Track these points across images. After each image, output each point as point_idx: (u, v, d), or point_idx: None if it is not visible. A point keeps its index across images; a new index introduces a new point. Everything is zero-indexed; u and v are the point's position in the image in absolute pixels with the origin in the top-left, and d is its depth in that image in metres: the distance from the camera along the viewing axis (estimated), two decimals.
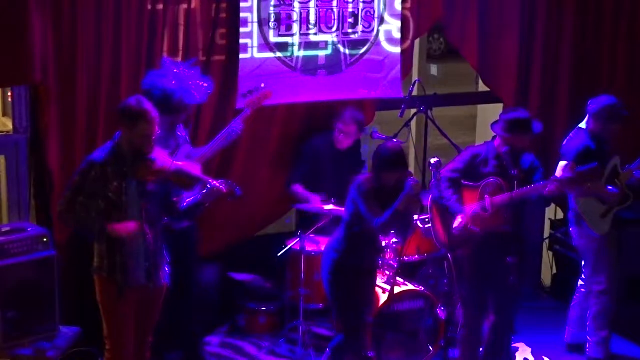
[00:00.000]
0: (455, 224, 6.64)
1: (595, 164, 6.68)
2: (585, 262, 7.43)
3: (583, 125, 7.29)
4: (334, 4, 7.64)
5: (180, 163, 6.08)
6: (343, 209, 6.69)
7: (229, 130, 6.94)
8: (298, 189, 7.62)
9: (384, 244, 7.28)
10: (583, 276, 7.50)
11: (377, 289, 7.11)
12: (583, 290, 7.51)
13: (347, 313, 6.60)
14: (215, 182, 6.09)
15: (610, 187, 7.08)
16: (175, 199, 6.13)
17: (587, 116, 7.26)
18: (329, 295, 6.66)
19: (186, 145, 6.86)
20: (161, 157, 5.94)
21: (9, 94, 7.42)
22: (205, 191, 6.10)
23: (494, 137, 6.78)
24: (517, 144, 6.61)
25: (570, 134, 7.33)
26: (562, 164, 6.99)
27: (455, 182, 6.71)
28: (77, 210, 5.84)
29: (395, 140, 7.24)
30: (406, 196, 6.28)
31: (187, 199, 6.44)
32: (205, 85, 6.82)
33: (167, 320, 6.64)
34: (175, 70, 6.75)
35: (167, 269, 6.19)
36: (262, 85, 7.18)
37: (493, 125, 6.77)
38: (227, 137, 6.95)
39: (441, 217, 6.81)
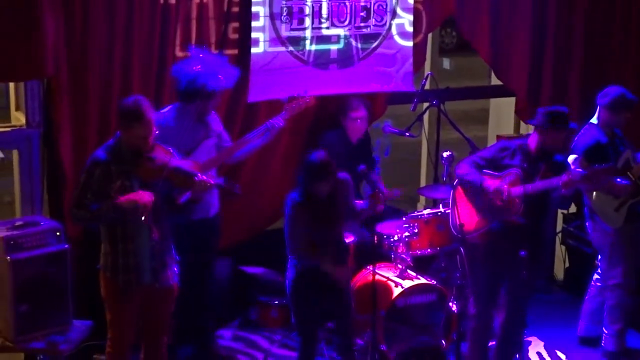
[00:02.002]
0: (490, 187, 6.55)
1: (612, 164, 6.71)
2: (601, 256, 7.42)
3: (594, 120, 7.29)
4: None
5: (179, 161, 6.05)
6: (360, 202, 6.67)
7: (267, 126, 6.95)
8: None
9: (396, 237, 7.28)
10: (599, 270, 7.50)
11: (389, 282, 7.12)
12: (599, 284, 7.50)
13: (307, 324, 6.51)
14: (212, 180, 6.06)
15: (619, 180, 7.05)
16: (176, 195, 6.08)
17: (598, 109, 7.26)
18: (292, 308, 6.57)
19: (213, 138, 6.86)
20: (160, 156, 5.92)
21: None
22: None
23: (528, 134, 6.74)
24: (551, 140, 6.52)
25: (582, 130, 7.32)
26: (572, 157, 6.98)
27: (478, 168, 6.68)
28: (87, 208, 5.83)
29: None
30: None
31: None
32: (233, 72, 6.82)
33: (180, 314, 6.65)
34: (201, 56, 6.77)
35: (175, 269, 6.16)
36: (306, 92, 7.20)
37: (530, 120, 6.71)
38: (265, 132, 6.96)
39: (469, 198, 6.76)
